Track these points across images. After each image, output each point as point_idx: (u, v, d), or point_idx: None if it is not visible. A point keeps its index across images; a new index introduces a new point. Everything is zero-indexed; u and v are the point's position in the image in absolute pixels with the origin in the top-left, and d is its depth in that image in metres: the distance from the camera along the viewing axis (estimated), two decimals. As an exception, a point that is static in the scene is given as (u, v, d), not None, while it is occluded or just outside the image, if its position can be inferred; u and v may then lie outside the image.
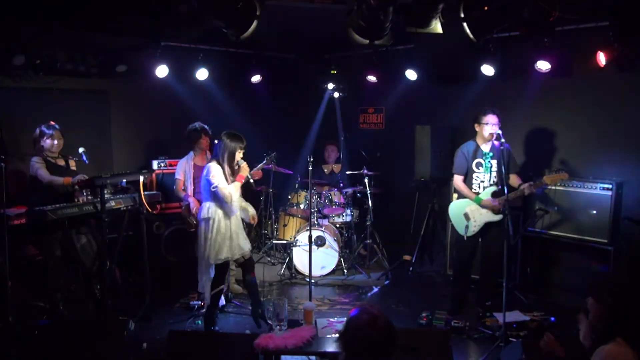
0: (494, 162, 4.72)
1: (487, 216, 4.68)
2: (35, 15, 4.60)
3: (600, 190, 4.84)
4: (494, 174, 4.74)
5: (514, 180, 4.71)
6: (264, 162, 5.31)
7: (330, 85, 7.01)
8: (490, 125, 4.58)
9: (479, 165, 4.76)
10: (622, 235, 4.86)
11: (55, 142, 4.63)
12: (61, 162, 4.74)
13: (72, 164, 4.85)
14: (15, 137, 5.18)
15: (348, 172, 6.72)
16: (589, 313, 2.45)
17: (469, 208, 4.76)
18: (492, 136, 4.58)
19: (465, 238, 4.75)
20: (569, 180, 4.92)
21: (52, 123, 4.67)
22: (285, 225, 6.47)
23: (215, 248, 4.32)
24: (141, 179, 4.57)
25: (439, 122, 6.32)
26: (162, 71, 5.72)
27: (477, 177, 4.77)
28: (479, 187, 4.77)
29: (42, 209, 4.17)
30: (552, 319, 4.57)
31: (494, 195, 4.68)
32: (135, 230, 5.75)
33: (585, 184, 4.94)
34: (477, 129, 4.73)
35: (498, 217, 4.62)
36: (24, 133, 5.16)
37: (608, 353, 2.23)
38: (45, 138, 4.60)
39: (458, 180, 4.83)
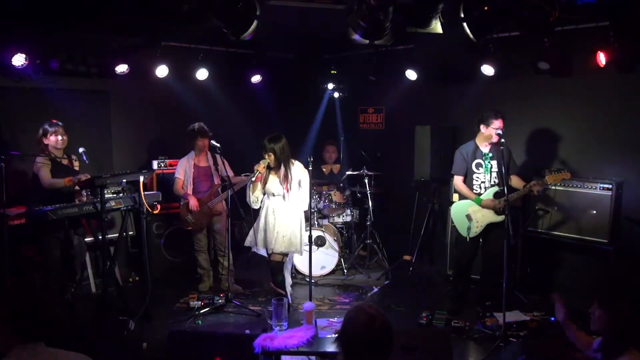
0: (494, 162, 4.73)
1: (490, 217, 4.68)
2: (36, 15, 4.60)
3: (600, 190, 4.84)
4: (494, 174, 4.73)
5: (515, 181, 4.70)
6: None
7: (330, 85, 7.02)
8: (497, 130, 4.57)
9: (478, 165, 4.75)
10: (622, 235, 4.86)
11: (60, 137, 4.66)
12: (65, 162, 4.76)
13: (76, 165, 4.87)
14: (16, 137, 5.18)
15: (348, 173, 6.71)
16: (594, 322, 2.37)
17: (472, 209, 4.75)
18: (497, 139, 4.57)
19: (467, 239, 4.74)
20: (569, 180, 4.90)
21: (54, 121, 4.71)
22: (285, 225, 6.46)
23: None
24: (141, 179, 4.57)
25: (439, 122, 6.32)
26: (162, 71, 5.72)
27: (478, 177, 4.77)
28: (480, 187, 4.77)
29: (42, 209, 4.17)
30: (552, 319, 4.57)
31: (496, 195, 4.67)
32: (135, 230, 5.78)
33: (585, 184, 4.94)
34: (482, 129, 4.70)
35: (501, 218, 4.60)
36: (24, 133, 5.17)
37: None
38: (49, 135, 4.63)
39: (458, 180, 4.83)
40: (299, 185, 4.78)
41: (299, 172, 4.76)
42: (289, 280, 5.04)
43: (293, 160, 4.78)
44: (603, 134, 5.13)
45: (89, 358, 2.11)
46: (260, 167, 4.61)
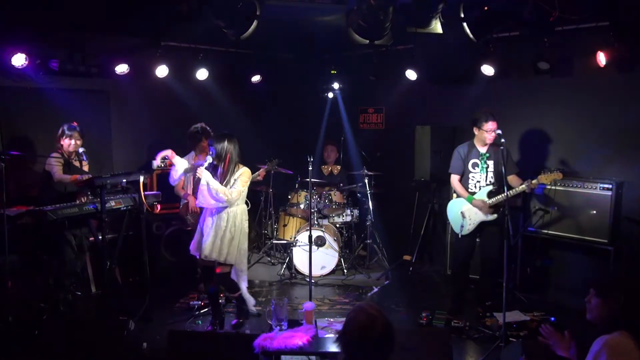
0: (491, 162, 4.74)
1: (483, 216, 4.70)
2: (36, 15, 4.60)
3: (600, 190, 4.84)
4: (490, 174, 4.75)
5: (514, 181, 4.71)
6: (265, 166, 5.30)
7: (331, 85, 7.01)
8: (490, 132, 4.57)
9: (475, 165, 4.77)
10: (622, 235, 4.86)
11: (73, 142, 4.78)
12: (76, 163, 4.86)
13: (85, 166, 4.92)
14: (16, 137, 5.18)
15: (348, 173, 6.72)
16: (590, 310, 2.45)
17: (466, 207, 4.77)
18: (493, 140, 4.58)
19: (460, 236, 4.76)
20: (569, 180, 4.92)
21: (75, 124, 4.82)
22: (285, 225, 6.47)
23: None
24: (141, 179, 4.57)
25: (439, 122, 6.32)
26: (162, 71, 5.73)
27: (474, 177, 4.79)
28: (475, 187, 4.79)
29: (43, 209, 4.18)
30: (552, 319, 4.58)
31: (490, 194, 4.68)
32: (135, 230, 5.77)
33: (585, 184, 4.94)
34: (475, 132, 4.72)
35: (492, 217, 4.65)
36: (24, 133, 5.16)
37: (611, 341, 2.27)
38: (65, 137, 4.76)
39: (454, 179, 4.88)
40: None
41: (237, 174, 4.33)
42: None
43: (240, 165, 4.39)
44: (603, 134, 5.12)
45: None
46: (205, 165, 4.34)
